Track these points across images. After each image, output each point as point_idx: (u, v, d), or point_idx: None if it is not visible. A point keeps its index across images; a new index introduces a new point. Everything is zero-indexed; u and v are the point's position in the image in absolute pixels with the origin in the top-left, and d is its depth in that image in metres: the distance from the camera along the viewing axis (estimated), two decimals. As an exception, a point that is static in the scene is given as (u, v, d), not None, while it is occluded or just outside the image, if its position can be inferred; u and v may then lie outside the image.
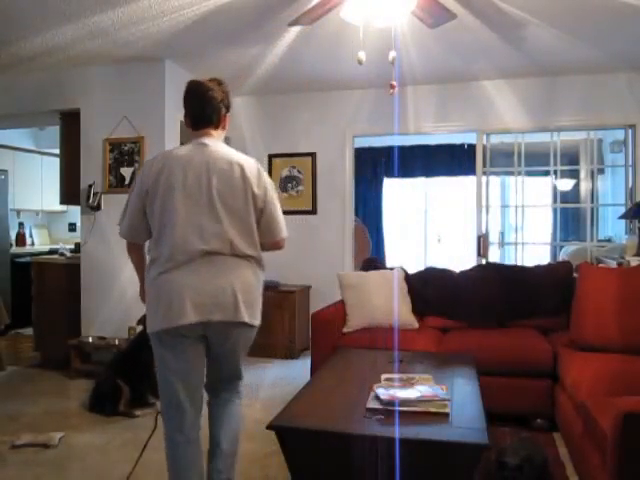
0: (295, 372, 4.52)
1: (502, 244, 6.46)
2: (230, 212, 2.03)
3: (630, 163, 4.79)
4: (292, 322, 4.98)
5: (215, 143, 2.14)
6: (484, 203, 5.07)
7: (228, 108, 2.22)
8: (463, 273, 4.11)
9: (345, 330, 3.77)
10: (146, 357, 3.54)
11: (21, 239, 6.89)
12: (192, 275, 1.99)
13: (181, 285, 1.98)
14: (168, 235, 2.02)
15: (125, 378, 3.49)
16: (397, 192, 8.11)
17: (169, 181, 2.05)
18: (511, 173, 5.20)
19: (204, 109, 2.13)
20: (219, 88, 2.16)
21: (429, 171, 7.77)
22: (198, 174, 2.03)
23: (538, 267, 4.07)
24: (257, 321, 2.22)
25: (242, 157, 2.18)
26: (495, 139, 5.12)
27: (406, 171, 7.75)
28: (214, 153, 2.09)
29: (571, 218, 7.18)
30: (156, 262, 2.05)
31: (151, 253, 2.10)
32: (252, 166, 2.16)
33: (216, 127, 2.17)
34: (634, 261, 4.12)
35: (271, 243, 2.21)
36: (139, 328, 3.88)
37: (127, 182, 4.41)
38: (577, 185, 6.69)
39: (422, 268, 4.35)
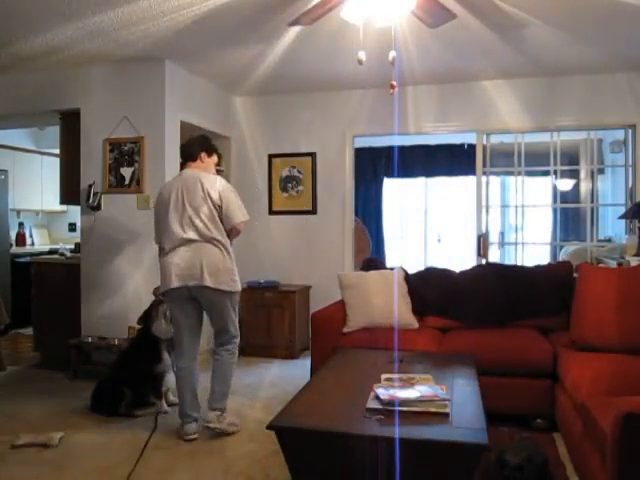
0: (295, 372, 4.52)
1: (502, 244, 6.47)
2: (196, 212, 3.08)
3: (630, 163, 4.79)
4: (292, 322, 4.99)
5: (190, 171, 3.24)
6: (484, 203, 5.07)
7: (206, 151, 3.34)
8: (463, 273, 4.11)
9: (345, 330, 3.77)
10: (147, 357, 3.55)
11: (21, 239, 6.89)
12: (176, 256, 3.08)
13: (170, 263, 3.09)
14: (165, 233, 3.14)
15: (127, 381, 3.48)
16: (397, 192, 8.11)
17: (164, 201, 3.18)
18: (511, 173, 5.20)
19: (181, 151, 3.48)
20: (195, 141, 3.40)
21: (429, 171, 7.77)
22: (177, 192, 3.14)
23: (538, 267, 4.07)
24: (223, 286, 3.09)
25: (203, 177, 3.17)
26: (495, 139, 5.12)
27: (406, 171, 7.74)
28: (185, 177, 3.21)
29: (571, 218, 7.18)
30: (161, 250, 3.20)
31: (160, 245, 3.22)
32: (210, 179, 3.17)
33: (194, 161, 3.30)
34: (634, 261, 4.12)
35: (231, 228, 3.14)
36: (135, 327, 3.90)
37: (127, 182, 4.40)
38: (577, 185, 6.69)
39: (422, 268, 4.36)
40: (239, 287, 3.19)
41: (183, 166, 3.33)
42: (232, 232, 3.16)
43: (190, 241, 3.06)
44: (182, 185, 3.14)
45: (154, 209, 3.29)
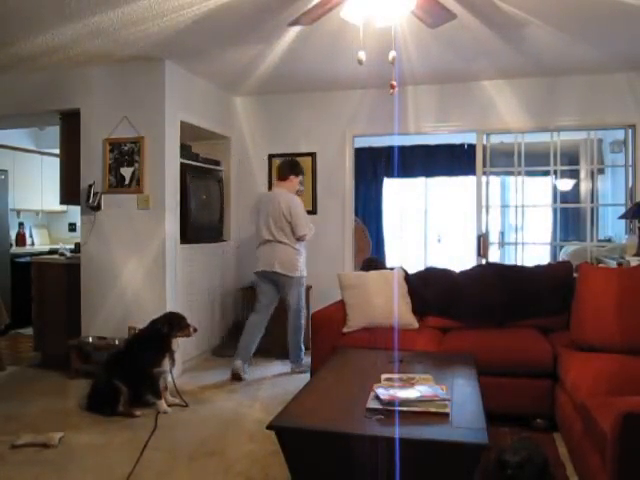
0: (295, 372, 4.53)
1: (502, 244, 6.46)
2: (274, 222, 4.33)
3: (630, 163, 4.79)
4: (292, 322, 4.98)
5: (278, 190, 4.47)
6: (484, 203, 5.07)
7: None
8: (463, 273, 4.11)
9: (345, 330, 3.77)
10: (144, 357, 3.55)
11: (21, 239, 6.89)
12: (261, 250, 4.42)
13: (258, 254, 4.44)
14: (257, 232, 4.48)
15: (123, 378, 3.48)
16: (397, 192, 8.11)
17: (260, 208, 4.45)
18: (511, 173, 5.20)
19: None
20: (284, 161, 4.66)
21: (429, 171, 7.77)
22: (266, 204, 4.39)
23: (538, 267, 4.07)
24: (291, 273, 4.34)
25: (283, 195, 4.36)
26: (495, 139, 5.12)
27: (406, 171, 7.74)
28: (273, 194, 4.46)
29: (571, 218, 7.18)
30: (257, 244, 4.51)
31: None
32: (286, 199, 4.34)
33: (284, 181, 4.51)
34: (634, 261, 4.12)
35: (298, 237, 4.35)
36: (135, 327, 3.90)
37: (127, 182, 4.40)
38: (577, 185, 6.69)
39: (422, 268, 4.36)
40: (300, 274, 4.37)
41: (279, 179, 4.53)
42: (299, 239, 4.35)
43: (268, 241, 4.34)
44: (270, 200, 4.38)
45: (253, 210, 4.54)
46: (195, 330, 3.73)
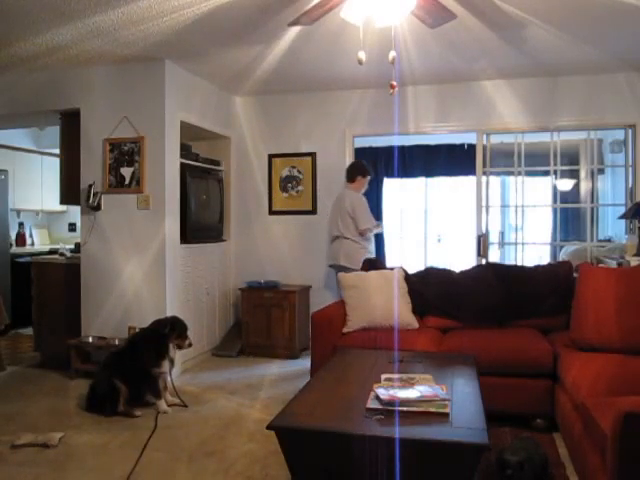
0: (295, 372, 4.52)
1: (502, 244, 6.45)
2: (341, 218, 4.76)
3: (630, 163, 4.79)
4: (292, 322, 4.99)
5: (347, 190, 4.89)
6: (484, 203, 5.07)
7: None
8: (463, 273, 4.11)
9: (345, 330, 3.77)
10: (143, 357, 3.56)
11: (21, 239, 6.90)
12: (332, 244, 4.89)
13: (330, 248, 4.96)
14: (331, 229, 4.98)
15: (122, 377, 3.48)
16: (397, 192, 8.11)
17: (332, 209, 4.99)
18: (511, 173, 5.20)
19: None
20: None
21: (429, 171, 7.76)
22: (336, 203, 4.93)
23: (538, 267, 4.07)
24: (353, 265, 4.53)
25: (349, 194, 4.80)
26: (495, 139, 5.12)
27: (406, 171, 7.74)
28: (343, 194, 4.90)
29: (571, 218, 7.17)
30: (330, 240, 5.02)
31: None
32: (352, 197, 4.77)
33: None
34: (634, 261, 4.11)
35: (360, 231, 4.72)
36: (135, 327, 3.90)
37: (127, 182, 4.40)
38: (577, 185, 6.68)
39: (422, 268, 4.35)
40: (358, 266, 4.48)
41: (347, 181, 4.93)
42: (362, 233, 4.72)
43: (337, 237, 4.81)
44: (339, 200, 4.87)
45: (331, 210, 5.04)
46: (190, 345, 3.74)
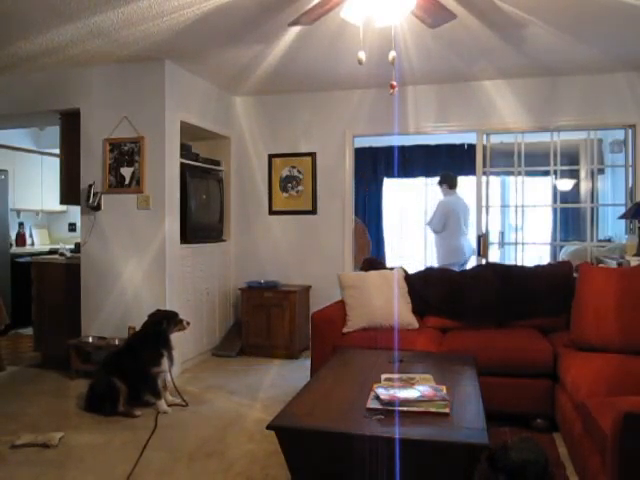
0: (295, 372, 4.52)
1: (502, 244, 6.45)
2: (465, 219, 5.77)
3: (630, 163, 4.78)
4: (292, 322, 4.98)
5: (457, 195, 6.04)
6: (484, 203, 5.07)
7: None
8: (463, 273, 4.12)
9: (345, 330, 3.77)
10: (142, 357, 3.55)
11: (21, 239, 6.89)
12: (456, 242, 5.94)
13: (450, 245, 6.00)
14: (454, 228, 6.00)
15: (121, 377, 3.48)
16: (397, 192, 8.11)
17: (447, 211, 5.93)
18: (511, 173, 5.20)
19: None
20: None
21: (429, 171, 7.76)
22: (455, 208, 5.95)
23: (538, 267, 4.07)
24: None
25: (460, 198, 5.93)
26: (495, 139, 5.12)
27: (406, 171, 7.74)
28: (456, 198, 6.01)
29: (571, 218, 7.17)
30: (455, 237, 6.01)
31: None
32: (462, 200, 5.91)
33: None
34: (634, 261, 4.11)
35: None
36: (134, 327, 3.89)
37: (127, 182, 4.40)
38: (577, 185, 6.68)
39: (422, 268, 4.35)
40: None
41: (450, 187, 6.03)
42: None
43: (464, 234, 5.80)
44: (455, 202, 5.92)
45: (442, 213, 5.97)
46: (188, 323, 3.77)
